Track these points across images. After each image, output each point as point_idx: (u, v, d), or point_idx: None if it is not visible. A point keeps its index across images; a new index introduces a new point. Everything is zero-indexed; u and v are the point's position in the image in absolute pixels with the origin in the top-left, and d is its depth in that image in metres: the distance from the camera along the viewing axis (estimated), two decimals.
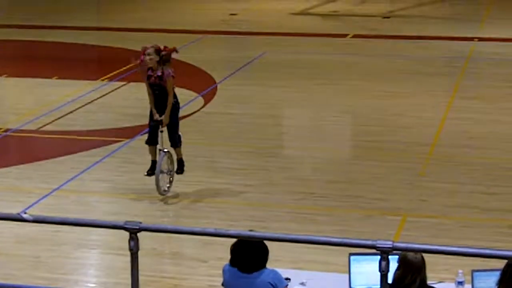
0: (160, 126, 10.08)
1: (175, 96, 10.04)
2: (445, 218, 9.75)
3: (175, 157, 10.51)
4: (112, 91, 15.46)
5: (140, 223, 4.33)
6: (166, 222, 9.80)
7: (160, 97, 9.98)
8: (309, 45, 19.46)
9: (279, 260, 7.76)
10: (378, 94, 15.13)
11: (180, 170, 10.46)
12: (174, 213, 10.07)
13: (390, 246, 4.25)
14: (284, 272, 6.17)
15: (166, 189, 10.39)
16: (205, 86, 15.78)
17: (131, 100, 14.77)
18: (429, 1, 26.01)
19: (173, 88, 10.01)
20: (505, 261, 5.57)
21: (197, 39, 20.10)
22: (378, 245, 4.26)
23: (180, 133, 10.33)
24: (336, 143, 12.77)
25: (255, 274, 5.89)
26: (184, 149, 12.26)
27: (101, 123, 13.51)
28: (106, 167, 11.60)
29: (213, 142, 12.67)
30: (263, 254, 5.95)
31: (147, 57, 9.77)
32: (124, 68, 17.04)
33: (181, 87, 15.41)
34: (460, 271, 6.27)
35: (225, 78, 16.34)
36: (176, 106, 10.10)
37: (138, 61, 9.90)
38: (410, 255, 5.69)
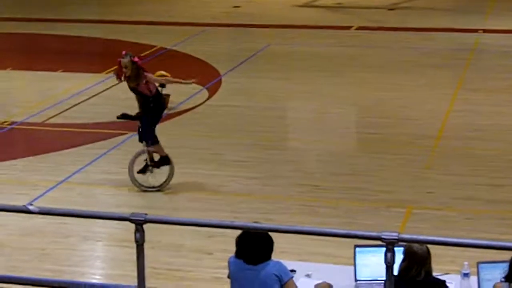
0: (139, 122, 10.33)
1: (156, 97, 10.22)
2: (450, 210, 9.75)
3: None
4: (117, 84, 15.42)
5: (146, 214, 4.34)
6: (171, 214, 9.81)
7: (140, 100, 10.27)
8: (313, 37, 19.43)
9: (285, 252, 7.77)
10: (382, 86, 15.12)
11: (157, 165, 10.47)
12: (179, 205, 10.08)
13: (396, 237, 4.25)
14: (289, 264, 6.18)
15: (148, 185, 10.44)
16: (210, 79, 15.77)
17: None
18: None
19: (157, 89, 10.30)
20: (511, 253, 5.56)
21: (200, 31, 20.08)
22: (383, 237, 4.26)
23: (155, 134, 10.36)
24: (341, 136, 12.76)
25: (261, 265, 5.90)
26: (188, 141, 12.30)
27: (106, 116, 13.52)
28: (111, 160, 11.62)
29: (217, 135, 12.67)
30: (269, 245, 5.95)
31: (124, 69, 10.08)
32: None
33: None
34: (466, 262, 6.27)
35: (229, 71, 16.34)
36: (153, 107, 10.22)
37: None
38: (415, 246, 5.69)
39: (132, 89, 10.22)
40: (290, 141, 12.88)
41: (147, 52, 17.79)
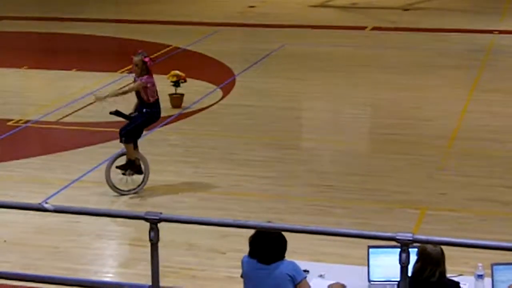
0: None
1: (153, 106, 10.07)
2: (465, 211, 9.71)
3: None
4: (131, 83, 15.44)
5: (161, 213, 4.35)
6: (185, 213, 9.81)
7: (137, 101, 10.22)
8: (328, 37, 19.41)
9: (298, 252, 7.74)
10: (397, 87, 15.08)
11: (123, 168, 10.29)
12: (192, 205, 10.08)
13: (410, 238, 4.24)
14: (302, 264, 6.16)
15: (123, 188, 10.25)
16: (224, 78, 15.78)
17: None
18: None
19: (157, 99, 10.12)
20: None
21: (215, 31, 20.09)
22: (398, 237, 4.26)
23: (131, 137, 10.19)
24: (355, 136, 12.74)
25: (274, 265, 5.89)
26: (202, 140, 12.32)
27: None
28: (124, 159, 11.61)
29: (231, 134, 12.67)
30: (282, 245, 5.94)
31: (134, 66, 10.08)
32: None
33: (199, 79, 15.46)
34: (480, 264, 6.24)
35: (244, 71, 16.34)
36: (149, 113, 10.10)
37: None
38: (430, 247, 5.67)
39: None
40: (304, 141, 12.87)
41: (162, 52, 17.82)
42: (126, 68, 16.51)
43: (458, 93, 14.51)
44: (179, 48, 18.33)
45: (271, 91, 14.98)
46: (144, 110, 10.06)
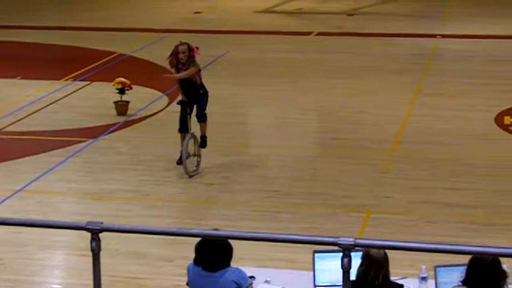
0: (188, 109, 11.11)
1: (204, 86, 11.19)
2: (409, 214, 9.83)
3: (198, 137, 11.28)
4: (76, 91, 15.35)
5: (102, 223, 4.31)
6: (130, 222, 9.75)
7: (188, 88, 11.08)
8: (274, 43, 19.48)
9: (244, 259, 7.75)
10: (343, 91, 15.20)
11: (203, 144, 11.27)
12: (139, 213, 10.03)
13: (352, 243, 4.26)
14: (248, 271, 6.17)
15: (194, 170, 11.09)
16: (170, 85, 15.69)
17: (95, 100, 14.67)
18: None
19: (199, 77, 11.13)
20: (469, 256, 5.62)
21: (161, 38, 20.01)
22: (340, 242, 4.27)
23: (206, 112, 11.25)
24: (301, 141, 12.80)
25: (219, 272, 5.89)
26: (149, 148, 12.27)
27: (64, 123, 13.42)
28: (69, 168, 11.53)
29: (178, 141, 12.59)
30: (227, 252, 5.95)
31: (181, 54, 10.86)
32: (88, 67, 16.96)
33: (145, 86, 15.39)
34: (423, 266, 6.31)
35: None
36: (205, 92, 11.21)
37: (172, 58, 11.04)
38: (373, 251, 5.73)
39: (184, 79, 10.95)
40: (251, 147, 12.89)
41: (107, 59, 17.71)
42: (70, 76, 16.38)
43: (402, 97, 14.68)
44: (124, 55, 18.23)
45: (217, 98, 14.91)
46: (201, 91, 11.10)
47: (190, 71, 10.86)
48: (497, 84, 15.49)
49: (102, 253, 4.24)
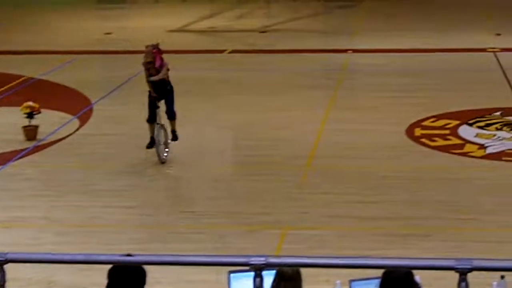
0: (157, 103, 12.17)
1: (170, 82, 12.36)
2: (325, 229, 9.85)
3: (169, 130, 12.36)
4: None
5: (6, 253, 4.16)
6: (42, 249, 9.49)
7: (158, 84, 12.11)
8: (188, 61, 19.39)
9: (162, 282, 7.66)
10: (257, 108, 15.21)
11: (175, 138, 12.41)
12: (49, 240, 9.77)
13: (264, 262, 4.22)
14: None
15: (164, 157, 12.25)
16: (81, 107, 15.48)
17: (2, 125, 14.29)
18: (303, 16, 26.43)
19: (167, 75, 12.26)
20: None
21: (72, 59, 19.74)
22: (251, 262, 4.22)
23: (175, 111, 12.37)
24: (218, 160, 12.73)
25: None
26: (59, 173, 12.03)
27: None
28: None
29: (90, 165, 12.43)
30: (140, 277, 5.81)
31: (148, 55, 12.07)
32: None
33: (55, 109, 15.10)
34: (338, 281, 6.31)
35: (101, 99, 16.10)
36: (172, 89, 12.38)
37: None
38: (286, 268, 5.68)
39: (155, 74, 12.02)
40: (166, 167, 12.75)
41: (15, 82, 17.33)
42: None
43: (316, 113, 14.77)
44: (33, 78, 17.87)
45: (130, 119, 14.79)
46: (169, 87, 12.28)
47: (166, 70, 12.08)
48: (407, 97, 15.75)
49: (13, 284, 4.09)
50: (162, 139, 12.37)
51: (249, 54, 20.34)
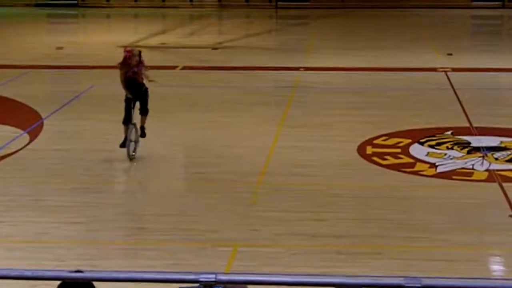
0: (133, 104, 13.01)
1: (144, 84, 13.16)
2: (276, 246, 9.84)
3: (138, 126, 13.14)
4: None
5: None
6: None
7: (134, 86, 12.98)
8: None
9: None
10: (208, 125, 15.19)
11: (143, 134, 13.26)
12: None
13: (214, 279, 4.20)
14: None
15: (133, 155, 13.03)
16: (31, 122, 15.30)
17: None
18: (256, 32, 26.54)
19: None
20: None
21: (22, 73, 19.54)
22: (201, 279, 4.20)
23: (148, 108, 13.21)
24: (168, 176, 12.66)
25: None
26: (7, 188, 11.87)
27: None
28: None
29: (40, 180, 12.27)
30: None
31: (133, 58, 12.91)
32: None
33: (4, 124, 14.92)
34: None
35: (52, 113, 15.94)
36: (146, 90, 13.22)
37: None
38: (236, 284, 5.65)
39: (132, 78, 12.91)
40: (116, 183, 12.67)
41: None
42: None
43: (267, 130, 14.80)
44: None
45: (80, 134, 14.68)
46: (144, 88, 13.06)
47: (148, 72, 13.18)
48: (358, 115, 15.87)
49: None
50: (133, 138, 13.03)
51: (201, 70, 20.33)
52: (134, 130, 13.05)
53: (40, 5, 32.67)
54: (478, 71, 20.24)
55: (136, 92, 12.99)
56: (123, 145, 12.97)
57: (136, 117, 13.18)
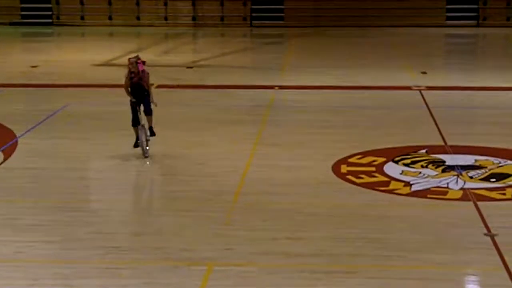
0: (138, 107, 14.07)
1: (148, 88, 14.16)
2: (251, 265, 9.83)
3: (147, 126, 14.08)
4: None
5: None
6: None
7: (138, 90, 14.04)
8: (112, 96, 19.23)
9: None
10: (183, 143, 15.19)
11: (152, 134, 14.28)
12: None
13: None
14: None
15: (147, 151, 14.15)
16: (5, 140, 15.21)
17: None
18: (231, 51, 26.60)
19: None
20: None
21: None
22: None
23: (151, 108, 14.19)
24: (142, 195, 12.65)
25: None
26: None
27: None
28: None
29: (13, 199, 12.21)
30: None
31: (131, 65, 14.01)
32: None
33: None
34: None
35: (27, 132, 15.87)
36: (148, 93, 14.14)
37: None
38: None
39: (136, 84, 14.01)
40: (90, 202, 12.61)
41: None
42: None
43: (242, 148, 14.81)
44: None
45: (55, 152, 14.62)
46: (146, 92, 14.07)
47: (148, 80, 14.12)
48: (333, 134, 15.93)
49: None
50: (144, 138, 14.04)
51: (176, 89, 20.33)
52: (144, 131, 14.04)
53: (15, 23, 32.54)
54: (452, 90, 20.41)
55: (140, 96, 14.02)
56: (136, 145, 14.10)
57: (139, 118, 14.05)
